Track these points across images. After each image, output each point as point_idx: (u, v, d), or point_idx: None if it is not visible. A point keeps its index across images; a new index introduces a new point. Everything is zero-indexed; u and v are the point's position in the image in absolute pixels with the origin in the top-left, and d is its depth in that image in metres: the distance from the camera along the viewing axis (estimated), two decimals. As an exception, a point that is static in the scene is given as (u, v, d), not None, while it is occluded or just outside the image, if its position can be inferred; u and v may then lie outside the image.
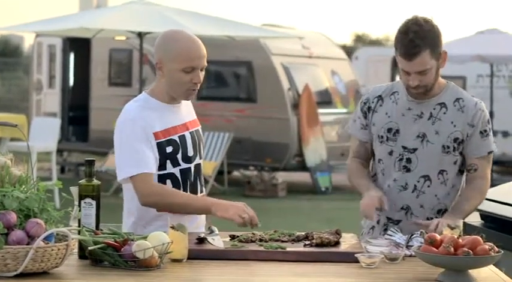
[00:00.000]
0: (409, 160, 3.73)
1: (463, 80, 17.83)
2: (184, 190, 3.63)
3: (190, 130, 3.69)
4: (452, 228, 3.36)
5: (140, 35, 12.57)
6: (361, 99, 3.91)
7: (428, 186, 3.73)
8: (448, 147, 3.71)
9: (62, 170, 16.44)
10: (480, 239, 3.01)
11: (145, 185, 3.52)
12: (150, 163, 3.54)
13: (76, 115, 16.77)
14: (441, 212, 3.75)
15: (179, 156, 3.62)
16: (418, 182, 3.73)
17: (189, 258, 3.18)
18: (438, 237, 3.04)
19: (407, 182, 3.74)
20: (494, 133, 16.22)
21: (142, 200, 3.54)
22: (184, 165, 3.64)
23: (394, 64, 19.06)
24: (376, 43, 39.62)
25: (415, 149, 3.72)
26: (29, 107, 17.47)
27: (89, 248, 3.05)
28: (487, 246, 2.98)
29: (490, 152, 3.76)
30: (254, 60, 14.48)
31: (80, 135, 16.61)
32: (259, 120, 14.42)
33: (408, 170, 3.74)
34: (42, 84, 17.15)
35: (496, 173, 16.82)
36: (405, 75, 3.65)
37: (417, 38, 3.58)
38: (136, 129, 3.54)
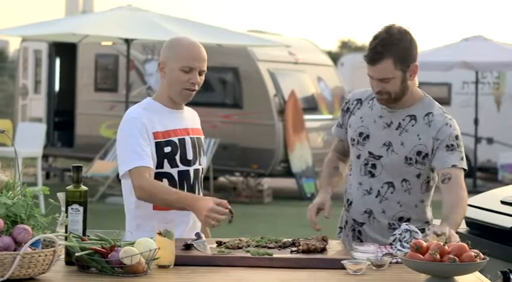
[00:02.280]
0: (374, 166, 3.79)
1: (448, 87, 17.89)
2: (181, 190, 3.70)
3: (192, 136, 3.79)
4: (438, 235, 3.35)
5: (127, 41, 12.56)
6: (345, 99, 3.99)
7: (392, 193, 3.77)
8: (411, 159, 3.72)
9: (47, 176, 16.39)
10: (466, 245, 3.03)
11: (140, 178, 3.59)
12: (147, 158, 3.61)
13: (62, 120, 16.73)
14: (403, 220, 3.75)
15: (177, 157, 3.71)
16: (382, 187, 3.77)
17: (176, 264, 3.19)
18: (424, 244, 3.06)
19: (371, 186, 3.79)
20: (479, 140, 16.38)
21: (137, 193, 3.62)
22: (182, 168, 3.72)
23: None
24: (361, 49, 39.67)
25: (380, 156, 3.77)
26: (15, 112, 17.40)
27: (76, 254, 3.05)
28: (472, 253, 3.00)
29: (453, 166, 3.66)
30: (240, 66, 14.50)
31: (66, 140, 16.57)
32: (245, 126, 14.43)
33: (373, 175, 3.79)
34: (27, 89, 17.09)
35: (481, 180, 16.89)
36: (370, 79, 3.73)
37: (382, 45, 3.63)
38: (136, 126, 3.65)
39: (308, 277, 3.12)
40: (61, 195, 3.27)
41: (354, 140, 3.84)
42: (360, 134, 3.82)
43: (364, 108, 3.85)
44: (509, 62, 15.23)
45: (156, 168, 3.66)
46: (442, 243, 3.05)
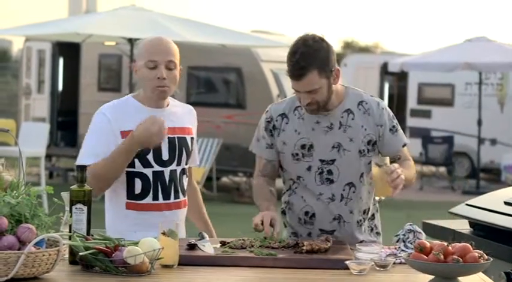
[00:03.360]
0: (330, 172, 3.76)
1: (451, 88, 17.89)
2: (155, 192, 3.66)
3: (170, 135, 3.69)
4: (380, 166, 3.51)
5: (131, 40, 12.57)
6: (262, 118, 3.89)
7: (354, 192, 3.78)
8: (364, 150, 3.77)
9: (51, 175, 16.41)
10: (470, 246, 3.03)
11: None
12: (96, 156, 3.59)
13: (65, 120, 16.75)
14: (366, 212, 3.84)
15: (150, 157, 3.65)
16: (344, 190, 3.77)
17: (179, 264, 3.19)
18: (428, 244, 3.06)
19: (333, 193, 3.77)
20: (482, 140, 16.38)
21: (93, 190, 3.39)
22: (157, 168, 3.67)
23: (383, 71, 19.09)
24: (365, 50, 39.73)
25: (333, 160, 3.75)
26: (18, 111, 17.43)
27: (80, 253, 3.05)
28: (476, 254, 3.00)
29: (404, 145, 3.85)
30: (244, 67, 14.50)
31: (69, 140, 16.58)
32: (248, 126, 14.42)
33: (331, 182, 3.76)
34: (31, 89, 17.12)
35: (484, 181, 16.88)
36: (297, 93, 3.70)
37: (303, 59, 3.61)
38: (101, 122, 3.65)
39: (312, 277, 3.12)
40: (65, 195, 3.28)
41: (297, 154, 3.78)
42: (303, 146, 3.77)
43: (293, 120, 3.80)
44: (513, 63, 15.22)
45: (128, 167, 3.62)
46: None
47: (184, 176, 3.77)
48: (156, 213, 3.66)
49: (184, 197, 3.78)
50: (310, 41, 3.65)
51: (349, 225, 3.79)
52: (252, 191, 4.04)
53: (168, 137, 3.68)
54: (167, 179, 3.69)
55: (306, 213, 3.81)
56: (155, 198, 3.67)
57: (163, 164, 3.68)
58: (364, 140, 3.76)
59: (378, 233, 3.91)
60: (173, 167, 3.70)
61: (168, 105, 3.76)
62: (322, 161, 3.76)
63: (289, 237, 3.82)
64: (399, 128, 3.87)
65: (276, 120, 3.83)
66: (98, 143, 3.63)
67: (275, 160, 3.86)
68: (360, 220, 3.82)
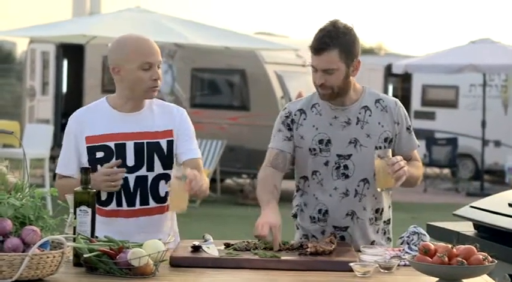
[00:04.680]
0: (346, 167, 3.77)
1: (455, 89, 17.88)
2: (118, 198, 3.62)
3: (138, 140, 3.62)
4: (381, 158, 3.54)
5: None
6: (280, 115, 3.92)
7: (368, 188, 3.78)
8: (380, 147, 3.76)
9: (54, 177, 16.40)
10: (474, 248, 3.03)
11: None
12: (65, 165, 3.67)
13: (69, 122, 16.74)
14: (379, 211, 3.84)
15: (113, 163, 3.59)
16: (358, 186, 3.78)
17: (183, 266, 3.19)
18: (432, 246, 3.06)
19: (347, 188, 3.78)
20: (486, 142, 16.37)
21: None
22: None
23: (387, 73, 19.09)
24: (369, 52, 39.72)
25: (349, 155, 3.77)
26: (22, 113, 17.45)
27: (84, 255, 3.06)
28: (481, 256, 2.99)
29: (418, 146, 3.92)
30: (247, 68, 14.51)
31: (73, 142, 16.58)
32: (252, 128, 14.44)
33: (347, 177, 3.77)
34: (35, 90, 17.14)
35: (488, 183, 16.87)
36: (313, 72, 3.72)
37: (328, 36, 3.66)
38: (68, 129, 3.69)
39: (316, 279, 3.12)
40: (69, 197, 3.28)
41: (314, 149, 3.79)
42: (320, 141, 3.78)
43: (311, 116, 3.82)
44: (517, 64, 15.21)
45: (93, 171, 3.52)
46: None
47: (164, 182, 3.62)
48: (121, 219, 3.61)
49: (163, 203, 3.62)
50: (341, 24, 3.71)
51: (363, 222, 3.79)
52: (255, 193, 4.02)
53: (136, 143, 3.61)
54: (132, 185, 3.61)
55: (319, 211, 3.82)
56: (119, 204, 3.62)
57: (129, 170, 3.59)
58: (381, 137, 3.78)
59: (389, 239, 3.91)
60: (142, 172, 3.61)
61: (144, 107, 3.68)
62: (339, 156, 3.77)
63: (300, 240, 3.82)
64: (412, 129, 3.90)
65: (295, 115, 3.85)
66: (65, 150, 3.69)
67: (288, 152, 3.86)
68: (372, 218, 3.82)
